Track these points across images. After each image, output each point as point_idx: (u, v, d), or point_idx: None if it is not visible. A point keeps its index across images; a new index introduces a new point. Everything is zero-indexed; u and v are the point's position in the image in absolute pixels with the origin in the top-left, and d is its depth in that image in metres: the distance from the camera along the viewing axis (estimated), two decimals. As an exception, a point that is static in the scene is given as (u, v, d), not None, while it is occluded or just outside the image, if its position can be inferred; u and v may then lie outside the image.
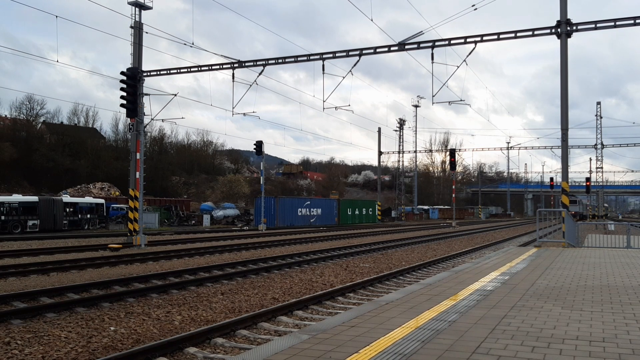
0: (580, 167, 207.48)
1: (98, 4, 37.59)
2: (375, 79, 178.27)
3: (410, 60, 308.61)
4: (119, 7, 76.28)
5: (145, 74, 26.25)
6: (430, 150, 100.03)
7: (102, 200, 43.40)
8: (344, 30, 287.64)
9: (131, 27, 26.91)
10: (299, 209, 52.99)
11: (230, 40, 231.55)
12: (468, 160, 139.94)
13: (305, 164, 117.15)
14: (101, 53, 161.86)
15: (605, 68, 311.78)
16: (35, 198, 36.44)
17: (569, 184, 20.73)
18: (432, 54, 22.45)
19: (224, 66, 26.40)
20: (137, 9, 26.80)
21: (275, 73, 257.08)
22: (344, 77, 24.87)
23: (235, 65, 25.96)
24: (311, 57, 24.71)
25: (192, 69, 27.02)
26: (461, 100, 26.23)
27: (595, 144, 69.71)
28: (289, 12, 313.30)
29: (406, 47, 22.98)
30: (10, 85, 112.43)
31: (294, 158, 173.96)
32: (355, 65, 24.13)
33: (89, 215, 39.91)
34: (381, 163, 71.93)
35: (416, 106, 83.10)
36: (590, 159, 76.79)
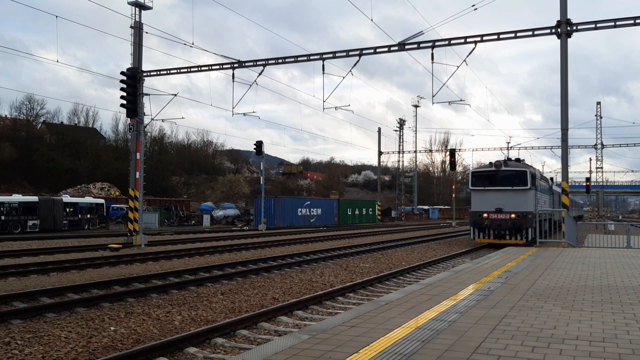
0: (581, 167, 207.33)
1: (91, 0, 37.31)
2: (370, 77, 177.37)
3: (406, 57, 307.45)
4: (110, 3, 75.83)
5: (145, 74, 26.25)
6: (430, 150, 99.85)
7: (102, 200, 43.43)
8: (337, 26, 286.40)
9: (131, 27, 26.89)
10: (299, 209, 52.99)
11: (221, 36, 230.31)
12: (468, 160, 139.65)
13: (305, 164, 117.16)
14: (91, 50, 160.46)
15: (604, 66, 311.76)
16: (35, 198, 36.45)
17: (569, 183, 20.74)
18: (432, 54, 22.51)
19: (224, 66, 26.41)
20: (137, 9, 26.79)
21: (269, 71, 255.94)
22: (344, 77, 24.90)
23: (235, 65, 25.97)
24: (311, 57, 24.71)
25: (192, 69, 27.00)
26: (461, 100, 26.27)
27: (595, 144, 69.70)
28: (280, 7, 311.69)
29: (406, 47, 23.00)
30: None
31: (293, 158, 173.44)
32: (355, 65, 24.17)
33: (89, 215, 39.92)
34: (381, 163, 71.96)
35: (416, 106, 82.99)
36: (590, 159, 76.77)
